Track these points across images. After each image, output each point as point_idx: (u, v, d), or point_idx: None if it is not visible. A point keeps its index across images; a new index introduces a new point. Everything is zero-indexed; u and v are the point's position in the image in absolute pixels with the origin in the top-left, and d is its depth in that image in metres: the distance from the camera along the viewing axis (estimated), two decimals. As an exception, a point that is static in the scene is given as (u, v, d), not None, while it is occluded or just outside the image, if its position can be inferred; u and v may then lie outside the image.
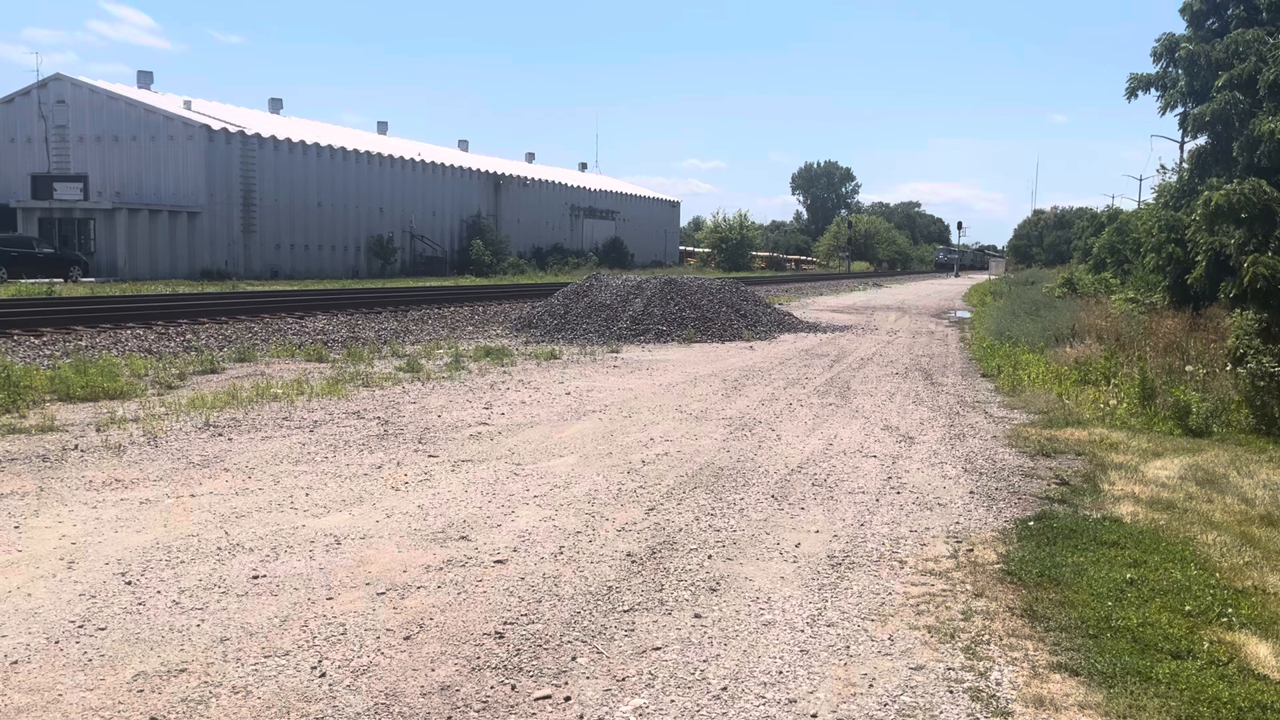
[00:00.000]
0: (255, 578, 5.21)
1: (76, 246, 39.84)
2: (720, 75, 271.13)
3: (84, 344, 15.55)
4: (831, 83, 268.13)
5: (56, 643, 4.35)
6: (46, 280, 33.01)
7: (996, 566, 5.68)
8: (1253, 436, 10.50)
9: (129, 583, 5.09)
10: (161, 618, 4.65)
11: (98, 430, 8.91)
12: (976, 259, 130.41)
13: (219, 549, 5.67)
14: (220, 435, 8.88)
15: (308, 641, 4.41)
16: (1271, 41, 19.60)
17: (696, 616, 4.84)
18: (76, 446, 8.21)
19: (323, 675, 4.08)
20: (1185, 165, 26.72)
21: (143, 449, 8.21)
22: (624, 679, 4.14)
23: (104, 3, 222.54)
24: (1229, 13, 23.98)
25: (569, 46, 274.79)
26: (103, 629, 4.50)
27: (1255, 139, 17.98)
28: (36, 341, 15.66)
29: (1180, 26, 26.59)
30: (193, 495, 6.81)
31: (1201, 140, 23.23)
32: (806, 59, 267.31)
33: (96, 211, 40.82)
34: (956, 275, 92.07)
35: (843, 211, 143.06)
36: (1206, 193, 15.53)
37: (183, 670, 4.10)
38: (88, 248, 40.26)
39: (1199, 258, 19.00)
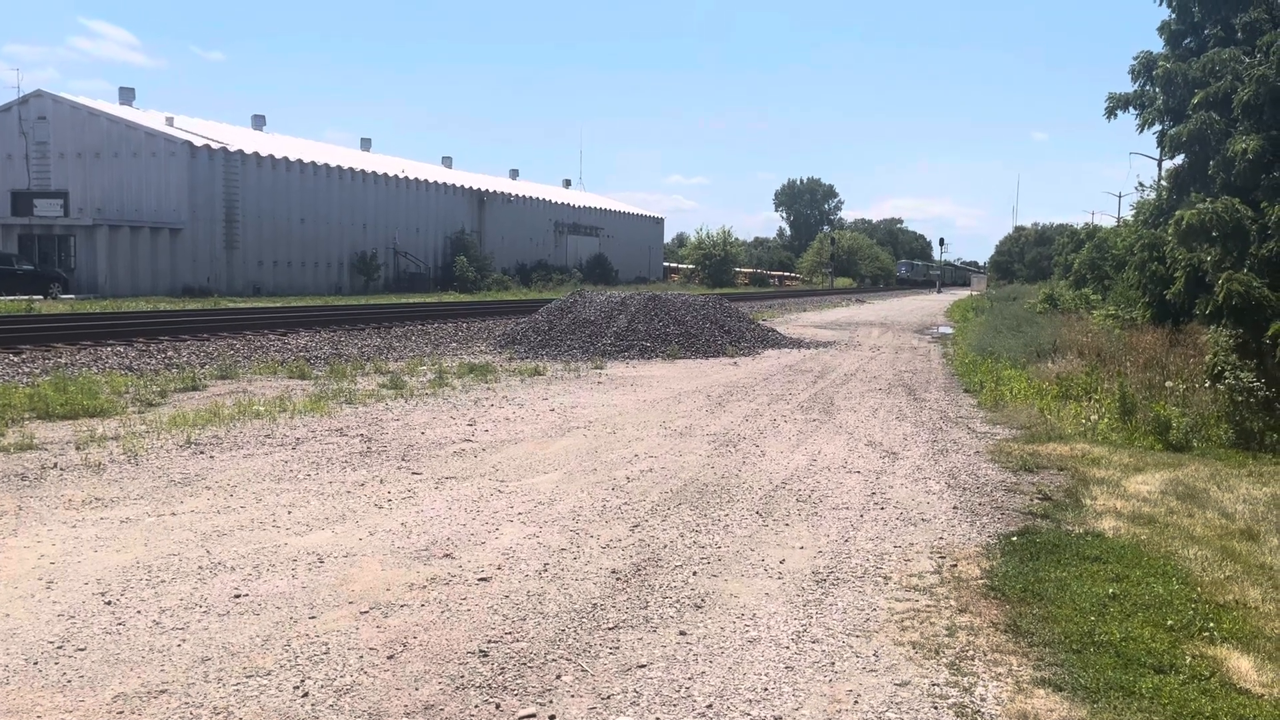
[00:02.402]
0: (237, 597, 5.17)
1: (57, 263, 39.55)
2: (704, 92, 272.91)
3: (64, 361, 15.43)
4: (815, 100, 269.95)
5: (35, 663, 4.29)
6: (26, 297, 32.71)
7: (980, 582, 5.70)
8: (1232, 451, 10.61)
9: (109, 602, 5.04)
10: (142, 638, 4.60)
11: (77, 448, 8.83)
12: (948, 273, 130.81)
13: (200, 568, 5.62)
14: (202, 453, 8.81)
15: (290, 661, 4.38)
16: (1247, 61, 19.87)
17: (681, 633, 4.83)
18: (56, 465, 8.14)
19: (305, 695, 4.05)
20: (1164, 183, 27.01)
21: (123, 467, 8.14)
22: (609, 697, 4.12)
23: (85, 19, 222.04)
24: (1206, 32, 24.31)
25: (553, 64, 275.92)
26: (82, 649, 4.45)
27: (1230, 158, 18.20)
28: (15, 359, 15.51)
29: (1158, 45, 26.92)
30: (174, 514, 6.76)
31: (1179, 159, 23.51)
32: (790, 76, 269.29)
33: (77, 228, 40.58)
34: (939, 291, 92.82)
35: (826, 228, 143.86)
36: (1179, 212, 15.72)
37: (163, 691, 4.06)
38: (68, 264, 39.99)
39: (1177, 274, 19.20)
